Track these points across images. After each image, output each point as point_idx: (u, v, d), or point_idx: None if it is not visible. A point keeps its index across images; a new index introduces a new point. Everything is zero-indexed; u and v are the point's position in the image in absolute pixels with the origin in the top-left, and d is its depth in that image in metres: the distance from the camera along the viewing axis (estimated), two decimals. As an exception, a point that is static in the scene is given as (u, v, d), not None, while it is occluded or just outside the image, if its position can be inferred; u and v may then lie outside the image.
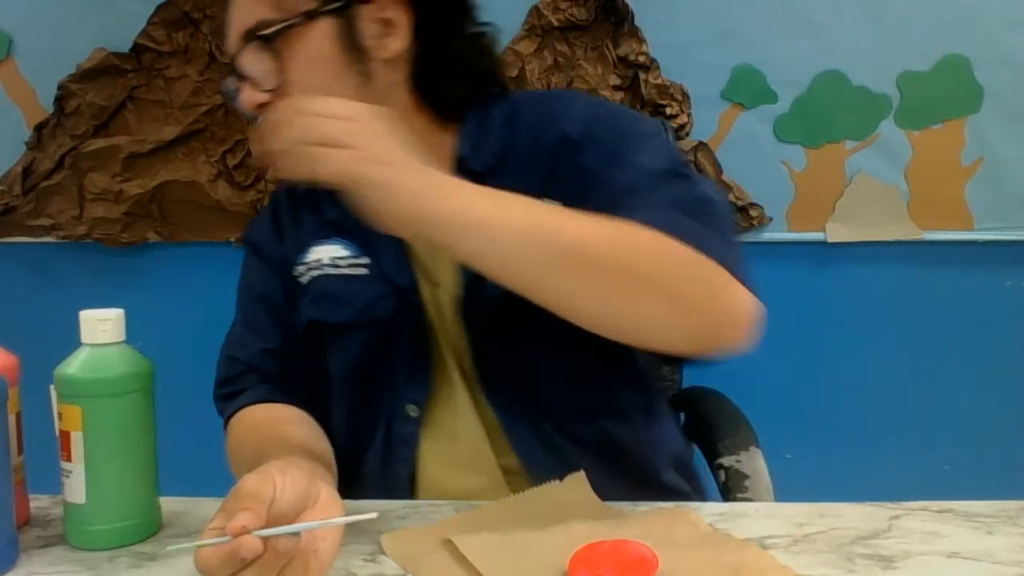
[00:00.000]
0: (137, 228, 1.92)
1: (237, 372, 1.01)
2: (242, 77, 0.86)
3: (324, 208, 0.97)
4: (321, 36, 0.85)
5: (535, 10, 1.79)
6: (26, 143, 1.90)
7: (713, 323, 0.78)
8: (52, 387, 0.75)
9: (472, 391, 0.93)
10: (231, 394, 1.00)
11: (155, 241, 1.92)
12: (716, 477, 1.06)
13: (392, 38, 0.88)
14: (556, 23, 1.79)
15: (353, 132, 0.69)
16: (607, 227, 0.75)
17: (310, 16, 0.84)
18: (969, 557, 0.68)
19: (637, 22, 1.78)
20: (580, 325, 0.76)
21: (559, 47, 1.80)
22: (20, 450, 0.78)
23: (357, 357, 0.95)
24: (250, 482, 0.63)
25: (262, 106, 0.85)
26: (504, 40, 1.80)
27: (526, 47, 1.80)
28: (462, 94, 0.92)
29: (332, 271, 0.95)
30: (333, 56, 0.85)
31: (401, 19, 0.88)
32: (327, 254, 0.95)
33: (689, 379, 1.33)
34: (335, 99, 0.72)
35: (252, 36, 0.84)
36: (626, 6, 1.77)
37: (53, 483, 0.77)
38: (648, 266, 0.74)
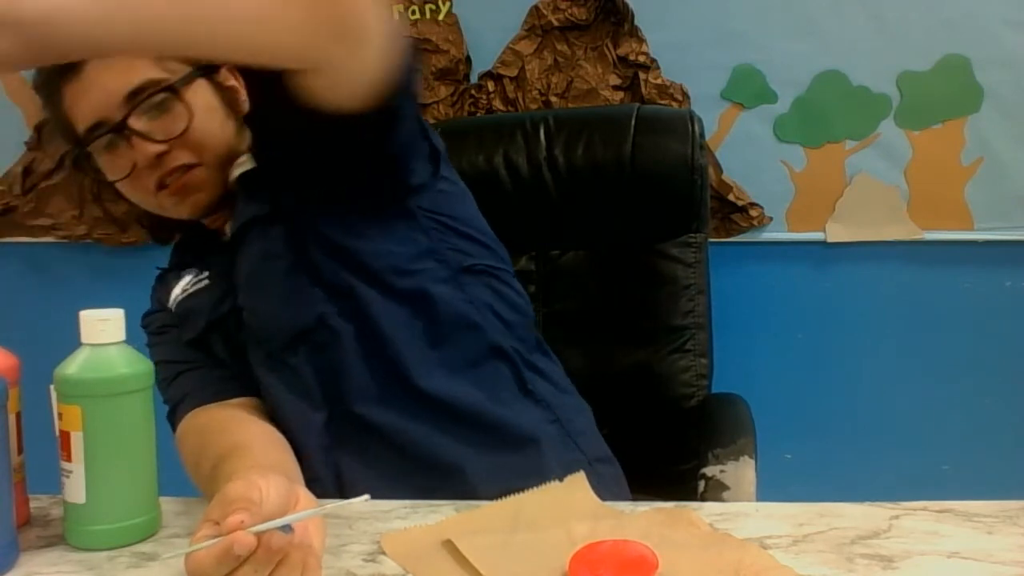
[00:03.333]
0: (137, 228, 1.91)
1: (184, 382, 1.03)
2: (128, 135, 0.94)
3: (177, 258, 1.10)
4: (206, 91, 0.99)
5: (535, 10, 1.79)
6: (26, 143, 1.90)
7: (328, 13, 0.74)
8: (52, 387, 0.75)
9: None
10: (186, 396, 1.02)
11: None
12: (696, 487, 1.05)
13: (240, 95, 1.02)
14: (556, 23, 1.79)
15: None
16: None
17: (196, 75, 0.97)
18: (969, 557, 0.68)
19: (637, 22, 1.78)
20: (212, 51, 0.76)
21: (559, 47, 1.80)
22: (20, 450, 0.78)
23: (229, 353, 1.02)
24: (235, 488, 0.63)
25: (160, 156, 0.95)
26: (504, 40, 1.80)
27: (526, 47, 1.80)
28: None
29: (183, 295, 1.06)
30: (217, 105, 0.99)
31: (239, 84, 1.02)
32: (180, 287, 1.06)
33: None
34: None
35: (148, 93, 0.94)
36: (626, 6, 1.77)
37: (53, 483, 0.77)
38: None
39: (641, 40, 1.79)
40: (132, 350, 0.76)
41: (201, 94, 0.98)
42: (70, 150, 0.99)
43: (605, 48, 1.80)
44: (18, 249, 1.94)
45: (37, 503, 0.83)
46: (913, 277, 1.81)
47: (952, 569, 0.67)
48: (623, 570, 0.64)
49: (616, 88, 1.80)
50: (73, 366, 0.74)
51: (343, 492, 0.92)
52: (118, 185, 0.99)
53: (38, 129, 1.89)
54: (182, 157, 0.96)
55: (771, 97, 1.79)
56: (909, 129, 1.78)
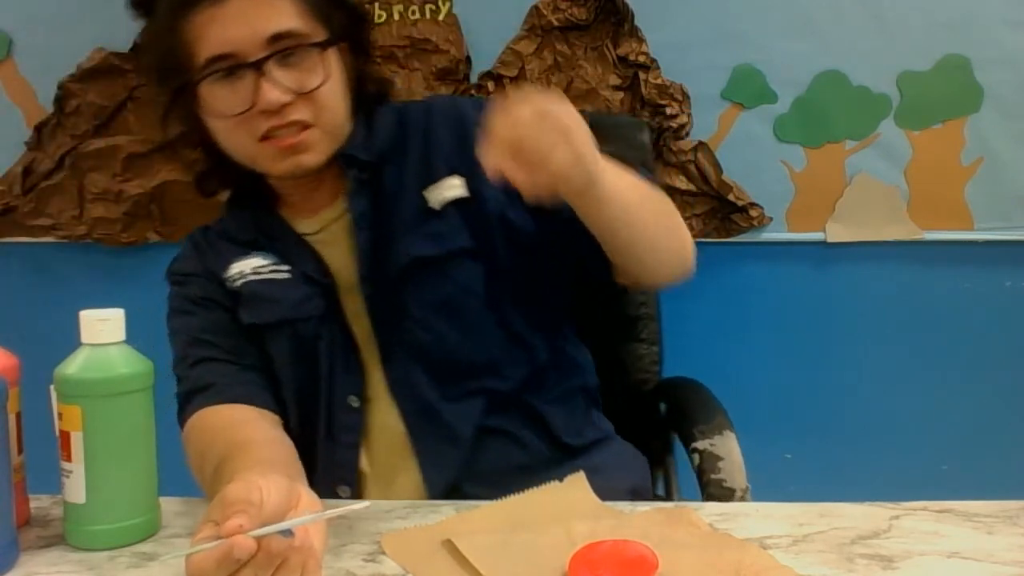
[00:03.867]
0: (137, 228, 1.92)
1: (205, 372, 1.00)
2: (260, 75, 0.92)
3: (238, 236, 1.06)
4: (339, 61, 0.98)
5: (535, 10, 1.79)
6: (26, 143, 1.90)
7: (687, 252, 0.98)
8: (52, 387, 0.75)
9: (387, 383, 1.00)
10: (198, 389, 0.99)
11: (155, 241, 1.92)
12: (691, 461, 1.10)
13: (363, 80, 1.04)
14: (556, 23, 1.79)
15: (574, 118, 0.76)
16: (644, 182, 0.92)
17: (336, 42, 0.97)
18: (969, 557, 0.68)
19: (637, 22, 1.78)
20: (636, 262, 0.95)
21: (559, 47, 1.80)
22: (20, 450, 0.78)
23: (291, 353, 1.01)
24: (235, 489, 0.63)
25: (282, 106, 0.93)
26: (504, 40, 1.80)
27: (526, 47, 1.80)
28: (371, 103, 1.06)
29: (256, 278, 1.03)
30: (343, 78, 0.99)
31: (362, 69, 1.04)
32: (248, 266, 1.03)
33: (670, 370, 1.36)
34: (551, 94, 0.76)
35: (294, 42, 0.93)
36: (626, 6, 1.77)
37: (53, 483, 0.77)
38: (671, 205, 0.95)
39: (641, 40, 1.79)
40: (132, 350, 0.76)
41: (335, 61, 0.97)
42: (180, 76, 0.96)
43: (605, 48, 1.80)
44: (18, 249, 1.94)
45: (37, 503, 0.83)
46: (913, 277, 1.81)
47: (952, 569, 0.67)
48: (623, 570, 0.64)
49: (616, 88, 1.80)
50: (73, 366, 0.74)
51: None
52: (219, 122, 0.97)
53: (38, 129, 1.89)
54: (303, 113, 0.94)
55: (771, 97, 1.79)
56: (909, 129, 1.78)
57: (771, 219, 1.80)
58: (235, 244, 1.06)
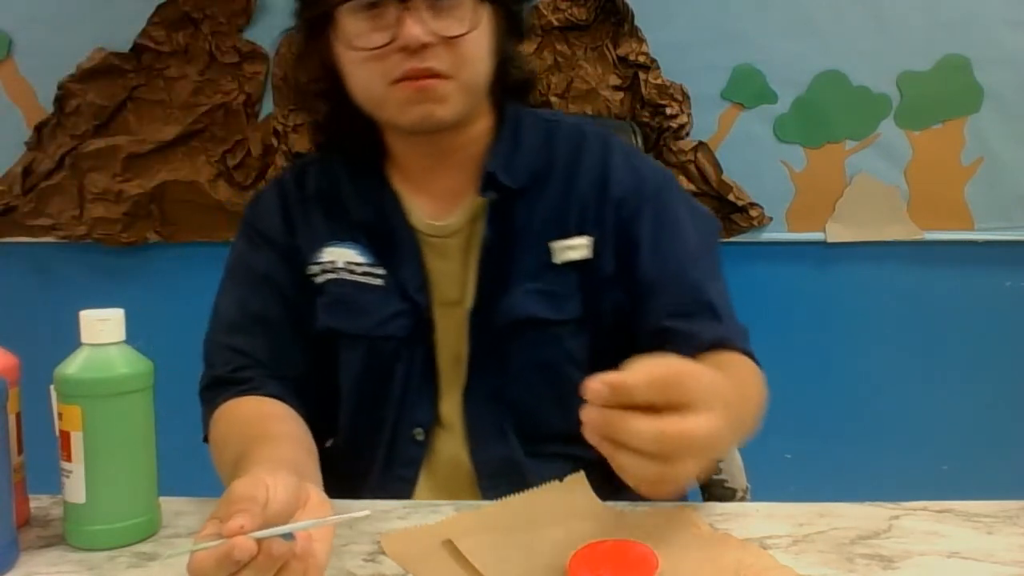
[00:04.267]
0: (137, 228, 1.92)
1: (243, 364, 0.95)
2: (405, 9, 0.85)
3: (338, 210, 0.96)
4: (490, 18, 0.90)
5: (535, 10, 1.79)
6: (26, 143, 1.90)
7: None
8: (52, 387, 0.75)
9: (464, 416, 0.95)
10: (232, 382, 0.95)
11: (155, 241, 1.92)
12: None
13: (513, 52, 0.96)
14: (556, 23, 1.79)
15: (707, 424, 0.61)
16: (752, 379, 0.88)
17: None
18: (969, 557, 0.68)
19: (637, 22, 1.78)
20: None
21: (559, 47, 1.80)
22: (20, 450, 0.78)
23: (364, 371, 0.95)
24: (241, 486, 0.62)
25: (424, 47, 0.85)
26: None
27: (526, 47, 1.80)
28: (512, 96, 0.98)
29: (347, 276, 0.95)
30: (490, 37, 0.91)
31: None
32: (342, 257, 0.95)
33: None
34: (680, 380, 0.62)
35: None
36: (626, 6, 1.77)
37: (53, 483, 0.77)
38: (760, 410, 0.86)
39: (641, 40, 1.79)
40: (132, 350, 0.76)
41: (486, 17, 0.89)
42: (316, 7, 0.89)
43: (605, 48, 1.80)
44: (18, 249, 1.94)
45: (37, 503, 0.83)
46: (913, 277, 1.81)
47: (952, 569, 0.67)
48: (623, 570, 0.64)
49: (616, 88, 1.80)
50: (73, 366, 0.73)
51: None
52: (353, 55, 0.88)
53: (38, 129, 1.90)
54: (443, 61, 0.86)
55: (771, 97, 1.79)
56: (909, 129, 1.78)
57: (771, 219, 1.81)
58: (332, 218, 0.97)
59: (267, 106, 1.89)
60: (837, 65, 1.77)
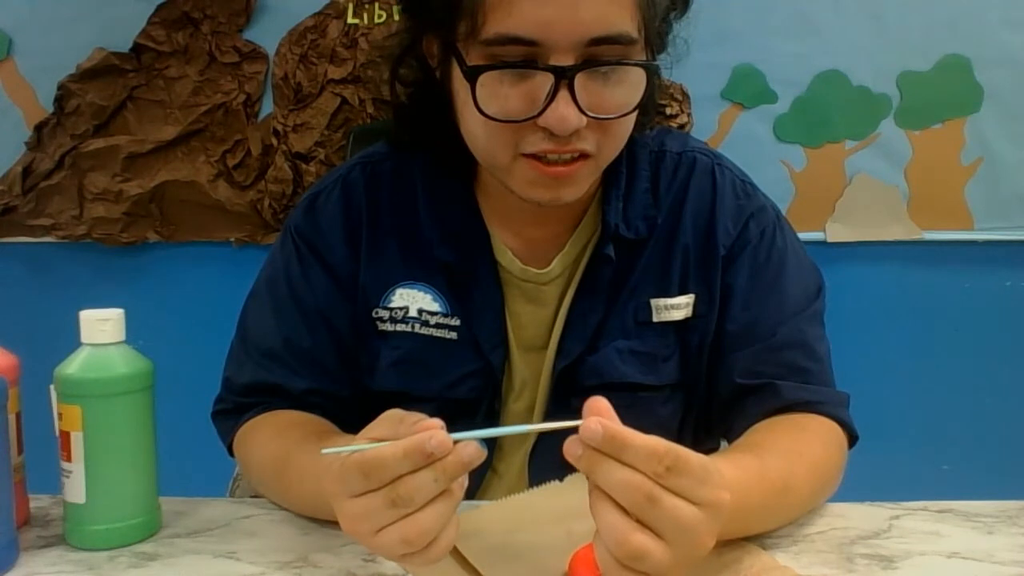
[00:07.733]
0: (137, 228, 1.92)
1: (275, 401, 0.86)
2: (561, 85, 0.69)
3: (415, 243, 0.85)
4: (642, 83, 0.74)
5: (535, 10, 1.79)
6: (26, 143, 1.90)
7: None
8: (52, 387, 0.75)
9: (528, 475, 0.88)
10: (253, 404, 0.87)
11: (155, 241, 1.92)
12: None
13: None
14: (556, 23, 1.79)
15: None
16: (812, 456, 0.76)
17: (656, 53, 0.80)
18: (969, 557, 0.68)
19: (637, 22, 1.78)
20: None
21: (559, 47, 1.80)
22: (20, 450, 0.78)
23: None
24: (396, 411, 0.57)
25: (572, 135, 0.71)
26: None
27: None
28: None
29: (421, 330, 0.84)
30: (640, 100, 0.76)
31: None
32: (415, 304, 0.84)
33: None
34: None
35: (622, 54, 0.72)
36: (626, 6, 1.77)
37: (53, 483, 0.77)
38: (821, 490, 0.77)
39: (641, 40, 1.79)
40: (132, 350, 0.76)
41: (643, 88, 0.74)
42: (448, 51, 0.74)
43: (605, 48, 1.80)
44: (18, 249, 1.94)
45: (37, 503, 0.83)
46: (913, 277, 1.81)
47: (952, 569, 0.67)
48: (623, 570, 0.64)
49: (616, 88, 1.80)
50: (73, 366, 0.73)
51: None
52: (472, 119, 0.73)
53: (38, 129, 1.90)
54: (590, 141, 0.73)
55: (771, 97, 1.79)
56: (909, 129, 1.78)
57: (771, 219, 1.81)
58: (407, 250, 0.84)
59: (267, 106, 1.89)
60: (837, 65, 1.77)
